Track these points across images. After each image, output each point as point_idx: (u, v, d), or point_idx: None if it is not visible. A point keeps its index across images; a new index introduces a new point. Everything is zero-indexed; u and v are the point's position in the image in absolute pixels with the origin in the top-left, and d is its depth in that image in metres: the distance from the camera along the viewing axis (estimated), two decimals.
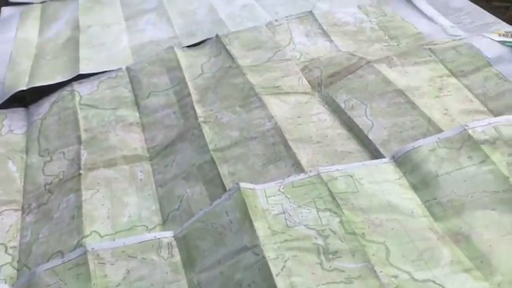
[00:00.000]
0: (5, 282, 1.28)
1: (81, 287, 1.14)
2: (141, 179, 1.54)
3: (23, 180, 1.63)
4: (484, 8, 2.00)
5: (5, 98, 1.97)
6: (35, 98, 1.98)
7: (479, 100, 1.50)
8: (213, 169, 1.46)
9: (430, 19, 1.98)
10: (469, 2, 2.07)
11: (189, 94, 1.78)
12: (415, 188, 1.25)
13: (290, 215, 1.19)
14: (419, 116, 1.45)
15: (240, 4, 2.34)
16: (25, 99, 1.99)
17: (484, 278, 1.05)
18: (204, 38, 2.09)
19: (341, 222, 1.16)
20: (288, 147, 1.45)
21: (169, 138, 1.66)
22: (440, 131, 1.37)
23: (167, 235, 1.26)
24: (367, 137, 1.45)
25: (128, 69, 2.00)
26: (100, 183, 1.52)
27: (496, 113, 1.44)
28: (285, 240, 1.13)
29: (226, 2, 2.38)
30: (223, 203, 1.25)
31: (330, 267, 1.08)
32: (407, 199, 1.22)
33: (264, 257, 1.09)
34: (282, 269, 1.07)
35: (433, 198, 1.22)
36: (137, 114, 1.80)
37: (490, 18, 1.93)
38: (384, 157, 1.37)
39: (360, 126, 1.49)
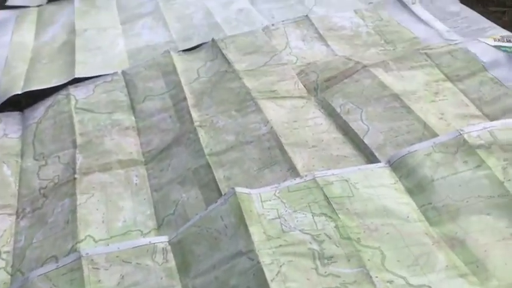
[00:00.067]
0: None
1: None
2: (136, 184, 1.54)
3: (17, 185, 1.62)
4: (480, 13, 2.01)
5: (0, 102, 1.96)
6: (30, 102, 1.98)
7: (475, 105, 1.51)
8: (208, 173, 1.46)
9: (426, 24, 1.99)
10: (465, 6, 2.08)
11: (184, 98, 1.78)
12: (410, 192, 1.25)
13: (285, 220, 1.19)
14: (415, 120, 1.45)
15: (236, 8, 2.34)
16: (20, 103, 1.99)
17: (480, 283, 1.05)
18: (200, 42, 2.09)
19: (336, 227, 1.16)
20: (283, 152, 1.45)
21: (165, 143, 1.65)
22: (435, 135, 1.37)
23: (162, 240, 1.26)
24: (363, 142, 1.45)
25: (123, 73, 2.00)
26: (95, 187, 1.52)
27: (492, 118, 1.44)
28: (280, 245, 1.13)
29: (223, 6, 2.38)
30: (219, 208, 1.25)
31: (325, 272, 1.07)
32: (403, 204, 1.22)
33: (259, 262, 1.08)
34: (277, 274, 1.06)
35: (428, 202, 1.21)
36: (133, 118, 1.80)
37: (486, 23, 1.93)
38: (379, 161, 1.36)
39: (356, 131, 1.49)
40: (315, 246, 1.12)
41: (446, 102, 1.51)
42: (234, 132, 1.58)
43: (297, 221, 1.18)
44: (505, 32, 1.81)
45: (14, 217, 1.51)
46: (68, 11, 2.57)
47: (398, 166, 1.31)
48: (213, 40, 2.04)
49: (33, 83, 2.03)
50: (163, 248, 1.23)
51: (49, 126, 1.83)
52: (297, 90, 1.72)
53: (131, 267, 1.18)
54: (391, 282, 1.05)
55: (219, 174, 1.45)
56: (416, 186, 1.25)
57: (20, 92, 1.98)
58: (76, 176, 1.56)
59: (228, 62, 1.89)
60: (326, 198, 1.23)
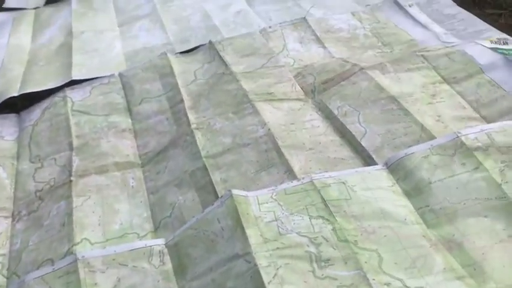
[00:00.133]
0: None
1: None
2: (132, 186, 1.53)
3: (13, 187, 1.62)
4: (476, 15, 2.01)
5: None
6: (26, 104, 1.97)
7: (472, 107, 1.51)
8: (205, 176, 1.46)
9: (423, 26, 1.99)
10: (462, 9, 2.08)
11: (181, 100, 1.77)
12: (408, 195, 1.25)
13: (282, 223, 1.18)
14: (412, 122, 1.45)
15: (234, 10, 2.34)
16: (17, 105, 1.98)
17: (478, 285, 1.05)
18: (198, 44, 2.09)
19: (333, 229, 1.15)
20: (280, 154, 1.45)
21: (162, 145, 1.65)
22: (433, 137, 1.37)
23: (159, 243, 1.25)
24: (360, 144, 1.45)
25: (120, 75, 2.00)
26: (91, 190, 1.51)
27: (489, 120, 1.44)
28: (277, 248, 1.12)
29: (221, 8, 2.38)
30: (215, 210, 1.24)
31: (322, 275, 1.07)
32: (400, 206, 1.22)
33: (255, 265, 1.08)
34: (273, 277, 1.06)
35: (425, 205, 1.21)
36: (129, 120, 1.79)
37: (483, 25, 1.94)
38: (376, 164, 1.36)
39: (353, 133, 1.48)
40: (312, 248, 1.12)
41: (443, 105, 1.51)
42: (231, 135, 1.58)
43: (294, 223, 1.18)
44: (501, 34, 1.81)
45: (10, 220, 1.50)
46: (65, 13, 2.56)
47: (395, 168, 1.31)
48: (210, 42, 2.03)
49: (30, 85, 2.03)
50: (160, 251, 1.23)
51: (45, 128, 1.83)
52: (294, 93, 1.72)
53: (128, 270, 1.18)
54: (388, 284, 1.05)
55: (215, 176, 1.45)
56: (414, 189, 1.25)
57: (16, 94, 1.98)
58: (72, 178, 1.55)
59: (225, 64, 1.89)
60: (323, 200, 1.22)
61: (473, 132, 1.30)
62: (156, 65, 1.98)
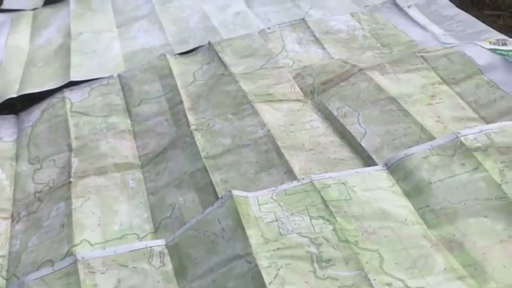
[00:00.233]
0: None
1: None
2: (132, 187, 1.53)
3: (12, 188, 1.61)
4: (475, 17, 2.01)
5: None
6: (25, 105, 1.97)
7: (471, 107, 1.51)
8: (205, 177, 1.45)
9: (422, 27, 1.99)
10: (461, 10, 2.08)
11: (181, 101, 1.77)
12: (408, 195, 1.25)
13: (283, 223, 1.18)
14: (412, 123, 1.45)
15: (232, 11, 2.34)
16: (15, 106, 1.98)
17: (478, 285, 1.05)
18: (197, 45, 2.09)
19: (334, 230, 1.15)
20: (280, 155, 1.45)
21: (161, 146, 1.64)
22: (432, 138, 1.37)
23: (159, 243, 1.25)
24: (360, 145, 1.45)
25: (119, 76, 1.99)
26: (90, 191, 1.51)
27: (488, 120, 1.44)
28: (278, 248, 1.12)
29: (219, 9, 2.38)
30: (216, 211, 1.24)
31: (324, 275, 1.07)
32: (401, 206, 1.22)
33: (256, 265, 1.07)
34: (275, 278, 1.06)
35: (426, 205, 1.21)
36: (129, 121, 1.79)
37: (481, 26, 1.94)
38: (376, 164, 1.36)
39: (353, 134, 1.49)
40: (312, 249, 1.12)
41: (442, 105, 1.52)
42: (231, 136, 1.58)
43: (295, 224, 1.18)
44: (500, 36, 1.82)
45: (9, 221, 1.49)
46: (64, 14, 2.56)
47: (395, 169, 1.31)
48: (209, 43, 2.03)
49: (29, 87, 2.02)
50: (160, 252, 1.23)
51: (44, 129, 1.82)
52: (293, 94, 1.72)
53: (128, 271, 1.18)
54: (389, 284, 1.05)
55: (215, 177, 1.45)
56: (414, 189, 1.25)
57: (15, 96, 1.97)
58: (71, 179, 1.55)
59: (224, 65, 1.89)
60: (323, 201, 1.22)
61: (473, 133, 1.30)
62: (155, 66, 1.98)
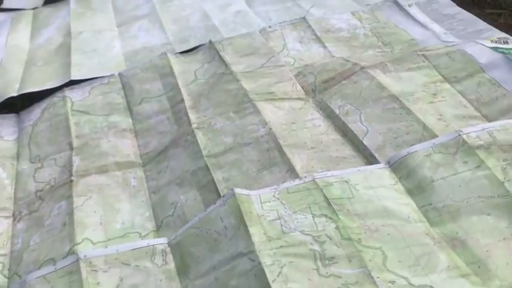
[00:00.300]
0: None
1: None
2: (134, 186, 1.53)
3: (13, 187, 1.61)
4: (476, 15, 2.01)
5: None
6: (26, 104, 1.96)
7: (473, 106, 1.51)
8: (207, 175, 1.45)
9: (422, 26, 1.99)
10: (461, 9, 2.08)
11: (182, 100, 1.77)
12: (410, 193, 1.25)
13: (285, 221, 1.18)
14: (414, 121, 1.45)
15: (233, 10, 2.34)
16: (16, 105, 1.97)
17: (482, 283, 1.05)
18: (197, 44, 2.09)
19: (337, 227, 1.15)
20: (282, 153, 1.45)
21: (163, 145, 1.64)
22: (435, 136, 1.37)
23: (161, 242, 1.25)
24: (362, 143, 1.45)
25: (120, 75, 1.99)
26: (92, 189, 1.50)
27: (490, 118, 1.44)
28: (281, 246, 1.12)
29: (220, 8, 2.37)
30: (218, 209, 1.24)
31: (327, 273, 1.07)
32: (403, 204, 1.22)
33: (260, 263, 1.07)
34: (278, 275, 1.05)
35: (428, 203, 1.21)
36: (130, 120, 1.79)
37: (482, 25, 1.94)
38: (379, 162, 1.36)
39: (355, 132, 1.48)
40: (316, 247, 1.11)
41: (444, 103, 1.52)
42: (232, 134, 1.57)
43: (297, 222, 1.18)
44: (501, 34, 1.81)
45: (11, 220, 1.49)
46: (64, 13, 2.55)
47: (398, 167, 1.30)
48: (210, 42, 2.03)
49: (29, 86, 2.02)
50: (162, 250, 1.22)
51: (45, 128, 1.82)
52: (294, 92, 1.72)
53: (130, 270, 1.17)
54: (393, 282, 1.05)
55: (217, 175, 1.44)
56: (416, 187, 1.25)
57: (15, 95, 1.97)
58: (73, 178, 1.55)
59: (225, 63, 1.89)
60: (326, 199, 1.22)
61: (475, 131, 1.30)
62: (156, 65, 1.98)
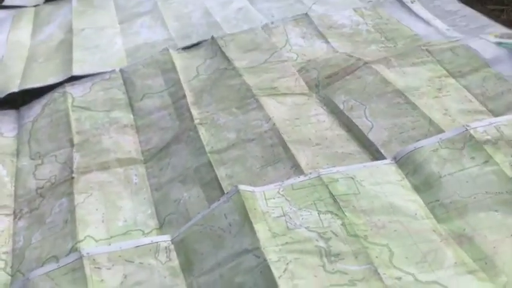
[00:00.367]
0: None
1: None
2: (135, 183, 1.51)
3: (13, 185, 1.59)
4: (478, 11, 2.00)
5: None
6: (26, 100, 1.95)
7: (479, 100, 1.49)
8: (210, 172, 1.44)
9: (425, 22, 1.98)
10: (464, 5, 2.07)
11: (184, 96, 1.75)
12: (417, 189, 1.23)
13: (290, 218, 1.17)
14: (420, 116, 1.44)
15: (235, 7, 2.32)
16: (16, 101, 1.96)
17: (489, 279, 1.03)
18: (199, 40, 2.07)
19: (343, 224, 1.14)
20: (286, 149, 1.43)
21: (165, 141, 1.63)
22: (441, 131, 1.36)
23: (165, 239, 1.23)
24: (368, 138, 1.43)
25: (121, 71, 1.98)
26: (93, 186, 1.49)
27: (496, 113, 1.43)
28: (286, 243, 1.10)
29: (222, 5, 2.36)
30: (222, 206, 1.22)
31: (333, 269, 1.05)
32: (410, 201, 1.20)
33: (265, 260, 1.06)
34: (284, 272, 1.04)
35: (435, 199, 1.20)
36: (131, 116, 1.77)
37: (485, 20, 1.93)
38: (385, 158, 1.35)
39: (360, 127, 1.47)
40: (321, 243, 1.10)
41: (449, 98, 1.50)
42: (235, 130, 1.56)
43: (302, 218, 1.16)
44: (504, 29, 1.80)
45: (12, 217, 1.48)
46: (65, 10, 2.54)
47: (404, 163, 1.29)
48: (212, 38, 2.02)
49: (30, 82, 2.01)
50: (166, 247, 1.21)
51: (45, 124, 1.80)
52: (298, 87, 1.70)
53: (134, 267, 1.16)
54: (399, 279, 1.03)
55: (220, 172, 1.43)
56: (423, 184, 1.24)
57: (16, 90, 1.96)
58: (74, 175, 1.53)
59: (227, 59, 1.87)
60: (331, 195, 1.21)
61: (482, 126, 1.29)
62: (158, 61, 1.96)
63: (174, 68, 1.89)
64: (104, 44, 2.20)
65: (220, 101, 1.69)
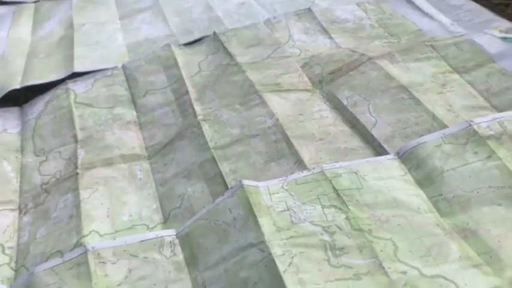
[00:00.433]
0: (2, 283, 1.24)
1: (81, 286, 1.11)
2: (140, 178, 1.51)
3: (18, 180, 1.60)
4: (483, 6, 1.99)
5: None
6: (29, 97, 1.95)
7: (483, 96, 1.49)
8: (214, 167, 1.44)
9: (429, 17, 1.98)
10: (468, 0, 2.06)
11: (187, 92, 1.75)
12: (420, 184, 1.24)
13: (295, 212, 1.17)
14: (423, 111, 1.44)
15: (236, 2, 2.32)
16: (19, 98, 1.96)
17: (494, 273, 1.03)
18: (201, 36, 2.07)
19: (347, 218, 1.14)
20: (290, 145, 1.43)
21: (168, 137, 1.63)
22: (444, 126, 1.36)
23: (169, 233, 1.23)
24: (371, 134, 1.44)
25: (123, 67, 1.98)
26: (98, 182, 1.49)
27: (500, 109, 1.43)
28: (291, 237, 1.11)
29: (223, 0, 2.36)
30: (226, 200, 1.23)
31: (338, 263, 1.06)
32: (413, 195, 1.20)
33: (270, 254, 1.06)
34: (289, 266, 1.04)
35: (439, 194, 1.20)
36: (134, 112, 1.77)
37: (490, 15, 1.92)
38: (388, 153, 1.35)
39: (363, 123, 1.47)
40: (326, 237, 1.10)
41: (453, 94, 1.50)
42: (239, 126, 1.56)
43: (307, 213, 1.17)
44: (509, 24, 1.80)
45: (17, 213, 1.48)
46: (65, 6, 2.54)
47: (407, 158, 1.29)
48: (214, 33, 2.01)
49: (32, 78, 2.01)
50: (170, 242, 1.21)
51: (49, 121, 1.81)
52: (301, 83, 1.70)
53: (139, 261, 1.16)
54: (404, 273, 1.04)
55: (224, 167, 1.43)
56: (426, 178, 1.24)
57: (18, 87, 1.96)
58: (78, 171, 1.54)
59: (230, 55, 1.87)
60: (335, 190, 1.21)
61: (486, 121, 1.29)
62: (160, 57, 1.96)
63: (176, 64, 1.89)
64: (104, 40, 2.20)
65: (223, 97, 1.69)
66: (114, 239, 1.25)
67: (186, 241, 1.21)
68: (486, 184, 1.18)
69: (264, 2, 2.29)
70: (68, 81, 1.95)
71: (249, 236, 1.12)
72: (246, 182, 1.24)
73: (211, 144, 1.51)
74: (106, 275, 1.14)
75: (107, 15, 2.42)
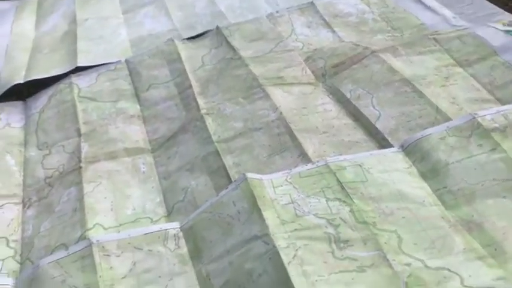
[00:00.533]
0: (8, 276, 1.25)
1: (86, 279, 1.12)
2: (143, 172, 1.52)
3: (22, 174, 1.60)
4: None
5: (2, 92, 1.94)
6: (32, 92, 1.95)
7: (486, 89, 1.49)
8: (217, 160, 1.44)
9: (432, 10, 1.97)
10: None
11: (190, 86, 1.75)
12: (424, 176, 1.24)
13: (299, 205, 1.17)
14: (427, 104, 1.44)
15: None
16: (23, 93, 1.96)
17: (499, 265, 1.03)
18: (204, 30, 2.07)
19: (351, 211, 1.14)
20: (294, 138, 1.43)
21: (172, 131, 1.63)
22: (448, 119, 1.36)
23: (173, 226, 1.24)
24: (375, 127, 1.44)
25: (127, 61, 1.98)
26: (102, 175, 1.50)
27: (504, 102, 1.43)
28: (295, 230, 1.11)
29: None
30: (230, 193, 1.23)
31: (342, 255, 1.06)
32: (418, 188, 1.20)
33: (274, 246, 1.06)
34: (293, 258, 1.04)
35: (443, 186, 1.20)
36: (138, 106, 1.78)
37: (493, 8, 1.92)
38: (392, 146, 1.35)
39: (367, 116, 1.47)
40: (330, 230, 1.10)
41: (457, 87, 1.50)
42: (242, 119, 1.56)
43: (311, 205, 1.17)
44: None
45: (21, 206, 1.49)
46: (68, 1, 2.53)
47: (412, 150, 1.29)
48: (217, 28, 2.01)
49: (35, 73, 2.01)
50: (175, 235, 1.21)
51: (52, 115, 1.81)
52: (304, 77, 1.70)
53: (143, 254, 1.16)
54: (408, 265, 1.04)
55: (228, 160, 1.43)
56: (431, 171, 1.24)
57: (21, 81, 1.96)
58: (82, 164, 1.54)
59: (233, 49, 1.87)
60: (339, 183, 1.21)
61: (490, 114, 1.29)
62: (163, 51, 1.96)
63: (179, 58, 1.89)
64: (108, 35, 2.19)
65: (226, 90, 1.69)
66: (118, 232, 1.26)
67: (190, 234, 1.21)
68: (491, 177, 1.18)
69: None
70: (72, 75, 1.95)
71: (253, 229, 1.12)
72: (249, 175, 1.24)
73: (214, 138, 1.51)
74: (111, 267, 1.14)
75: (110, 9, 2.42)
